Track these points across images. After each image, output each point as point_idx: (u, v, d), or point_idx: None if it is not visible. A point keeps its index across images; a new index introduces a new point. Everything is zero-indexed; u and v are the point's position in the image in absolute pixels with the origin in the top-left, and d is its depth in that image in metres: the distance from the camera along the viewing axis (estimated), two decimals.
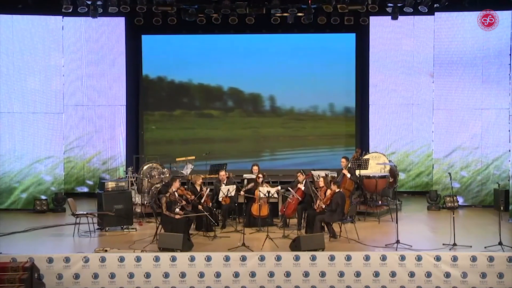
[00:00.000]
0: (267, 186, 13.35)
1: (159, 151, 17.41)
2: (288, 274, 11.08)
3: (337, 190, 12.39)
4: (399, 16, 15.56)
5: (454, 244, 11.52)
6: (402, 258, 11.10)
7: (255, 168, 14.04)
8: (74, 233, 12.84)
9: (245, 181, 13.98)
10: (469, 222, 13.92)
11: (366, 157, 14.68)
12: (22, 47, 15.66)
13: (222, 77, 17.90)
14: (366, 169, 14.21)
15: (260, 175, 13.50)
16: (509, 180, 14.62)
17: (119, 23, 16.65)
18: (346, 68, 17.75)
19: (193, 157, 15.16)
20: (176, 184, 12.47)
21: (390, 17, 15.65)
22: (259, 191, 13.12)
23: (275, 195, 13.25)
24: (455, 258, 11.06)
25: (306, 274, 11.07)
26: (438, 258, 11.07)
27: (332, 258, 11.09)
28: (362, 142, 17.39)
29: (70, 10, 14.97)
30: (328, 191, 12.50)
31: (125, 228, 13.29)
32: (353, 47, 17.70)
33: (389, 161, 15.35)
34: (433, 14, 15.77)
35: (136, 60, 17.65)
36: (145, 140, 17.87)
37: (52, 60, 15.89)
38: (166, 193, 12.33)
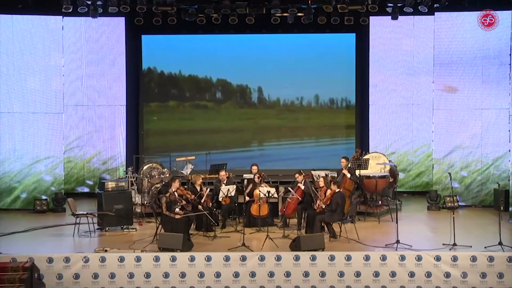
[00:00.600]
0: (266, 186, 13.35)
1: (158, 143, 17.56)
2: (288, 274, 11.08)
3: (337, 190, 12.39)
4: (399, 16, 15.56)
5: (454, 244, 11.52)
6: (402, 258, 11.10)
7: (254, 168, 14.04)
8: (74, 233, 12.84)
9: (245, 181, 13.97)
10: (469, 222, 13.92)
11: (366, 157, 14.69)
12: (22, 47, 15.66)
13: (227, 74, 17.93)
14: (366, 169, 14.21)
15: (258, 175, 13.50)
16: (509, 180, 14.62)
17: (119, 23, 16.65)
18: (346, 68, 17.76)
19: (193, 157, 15.17)
20: (176, 184, 12.47)
21: (390, 17, 15.65)
22: (259, 191, 13.12)
23: (275, 195, 13.25)
24: (455, 258, 11.06)
25: (306, 274, 11.07)
26: (438, 258, 11.08)
27: (332, 258, 11.09)
28: (362, 142, 17.39)
29: (70, 10, 14.96)
30: (328, 191, 12.50)
31: (125, 228, 13.29)
32: (353, 47, 17.70)
33: (389, 161, 15.35)
34: (433, 14, 15.77)
35: (136, 60, 17.65)
36: (145, 130, 17.88)
37: (52, 60, 15.89)
38: (166, 193, 12.33)
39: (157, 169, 14.90)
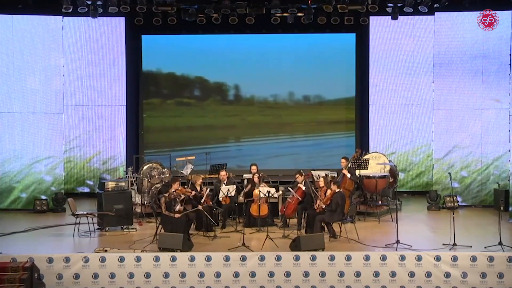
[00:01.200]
0: (265, 186, 13.35)
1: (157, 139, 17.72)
2: (288, 274, 11.08)
3: (337, 190, 12.39)
4: (399, 16, 15.56)
5: (454, 244, 11.52)
6: (402, 258, 11.10)
7: (254, 167, 14.05)
8: (74, 233, 12.85)
9: (245, 181, 13.97)
10: (469, 222, 13.92)
11: (366, 157, 14.69)
12: (22, 47, 15.66)
13: (227, 76, 17.97)
14: (366, 169, 14.21)
15: (257, 175, 13.50)
16: (509, 180, 14.62)
17: (119, 23, 16.64)
18: (346, 68, 17.76)
19: (193, 157, 15.18)
20: (175, 185, 12.47)
21: (390, 17, 15.65)
22: (259, 191, 13.12)
23: (275, 195, 13.25)
24: (455, 258, 11.06)
25: (306, 274, 11.07)
26: (438, 258, 11.07)
27: (332, 258, 11.09)
28: (362, 142, 17.40)
29: (70, 10, 14.96)
30: (328, 191, 12.50)
31: (125, 228, 13.29)
32: (353, 47, 17.71)
33: (389, 161, 15.35)
34: (433, 14, 15.77)
35: (136, 60, 17.65)
36: (145, 127, 17.94)
37: (52, 60, 15.89)
38: (166, 193, 12.34)
39: (157, 169, 14.90)
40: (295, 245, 11.37)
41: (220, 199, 13.25)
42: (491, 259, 11.00)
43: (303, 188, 13.19)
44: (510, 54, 14.89)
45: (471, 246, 11.54)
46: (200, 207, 12.65)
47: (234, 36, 17.61)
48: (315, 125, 18.11)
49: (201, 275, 11.09)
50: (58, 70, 15.98)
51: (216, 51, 17.78)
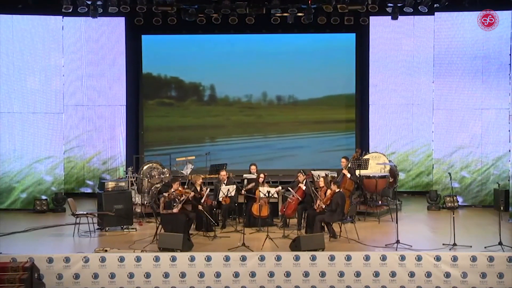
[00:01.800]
0: (267, 186, 13.35)
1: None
2: (288, 274, 11.08)
3: (337, 190, 12.39)
4: (399, 16, 15.56)
5: (454, 244, 11.52)
6: (402, 258, 11.10)
7: (253, 167, 14.04)
8: (74, 233, 12.85)
9: (245, 181, 13.97)
10: (469, 222, 13.92)
11: (366, 157, 14.69)
12: (22, 47, 15.65)
13: (227, 75, 17.96)
14: (366, 169, 14.21)
15: (262, 175, 13.51)
16: (509, 180, 14.62)
17: (119, 23, 16.65)
18: (346, 68, 17.76)
19: (193, 157, 15.18)
20: (175, 186, 12.47)
21: (390, 17, 15.65)
22: (259, 191, 13.12)
23: (275, 195, 13.25)
24: (455, 258, 11.06)
25: (306, 274, 11.07)
26: (438, 258, 11.07)
27: (332, 258, 11.09)
28: (362, 142, 17.40)
29: (70, 10, 14.96)
30: (328, 191, 12.50)
31: (125, 228, 13.29)
32: (353, 47, 17.71)
33: (389, 161, 15.36)
34: (433, 14, 15.77)
35: (136, 60, 17.64)
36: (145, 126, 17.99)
37: (52, 60, 15.89)
38: (166, 192, 12.34)
39: (157, 169, 14.90)
40: (295, 245, 11.37)
41: (220, 199, 13.24)
42: (491, 259, 11.00)
43: (304, 188, 13.19)
44: (510, 54, 14.88)
45: (471, 246, 11.54)
46: (200, 207, 12.65)
47: (234, 36, 17.62)
48: (315, 125, 18.11)
49: (201, 275, 11.09)
50: (58, 70, 15.98)
51: (216, 52, 17.82)
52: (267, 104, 18.11)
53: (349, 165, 13.84)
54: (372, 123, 16.92)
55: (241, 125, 18.20)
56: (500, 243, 11.40)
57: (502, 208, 13.63)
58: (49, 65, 15.86)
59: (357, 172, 13.95)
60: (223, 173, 13.74)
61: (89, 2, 14.97)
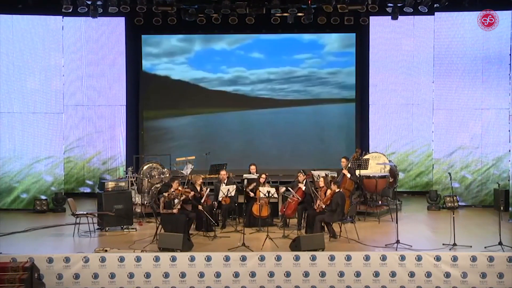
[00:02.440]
0: (268, 187, 13.35)
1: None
2: (288, 274, 11.08)
3: (337, 190, 12.38)
4: (399, 16, 15.56)
5: (454, 244, 11.52)
6: (402, 258, 11.10)
7: (253, 167, 14.04)
8: (74, 233, 12.84)
9: (245, 181, 13.97)
10: (469, 222, 13.92)
11: (366, 157, 14.69)
12: (22, 47, 15.65)
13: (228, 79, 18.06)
14: (366, 169, 14.21)
15: (263, 176, 13.50)
16: (509, 180, 14.62)
17: (119, 23, 16.65)
18: (346, 68, 17.77)
19: (193, 157, 15.17)
20: (175, 186, 12.46)
21: (390, 17, 15.65)
22: (260, 191, 13.12)
23: (275, 195, 13.25)
24: (455, 258, 11.06)
25: (306, 274, 11.07)
26: (438, 258, 11.07)
27: (332, 258, 11.09)
28: (362, 142, 17.40)
29: (70, 10, 14.97)
30: (328, 191, 12.50)
31: (125, 228, 13.29)
32: (353, 47, 17.71)
33: (389, 161, 15.35)
34: (433, 14, 15.77)
35: (136, 60, 17.64)
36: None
37: (52, 60, 15.89)
38: (166, 192, 12.34)
39: (157, 169, 14.90)
40: (295, 245, 11.37)
41: (220, 199, 13.24)
42: (491, 259, 11.00)
43: (304, 188, 13.19)
44: (510, 54, 14.88)
45: (471, 246, 11.54)
46: (200, 207, 12.65)
47: (234, 36, 17.64)
48: (315, 125, 18.11)
49: (201, 275, 11.09)
50: (58, 70, 15.97)
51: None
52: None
53: (349, 165, 13.84)
54: (372, 123, 16.92)
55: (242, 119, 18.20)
56: (500, 243, 11.40)
57: (502, 208, 13.64)
58: (49, 65, 15.86)
59: (357, 172, 13.94)
60: (223, 172, 13.74)
61: (89, 2, 14.98)
